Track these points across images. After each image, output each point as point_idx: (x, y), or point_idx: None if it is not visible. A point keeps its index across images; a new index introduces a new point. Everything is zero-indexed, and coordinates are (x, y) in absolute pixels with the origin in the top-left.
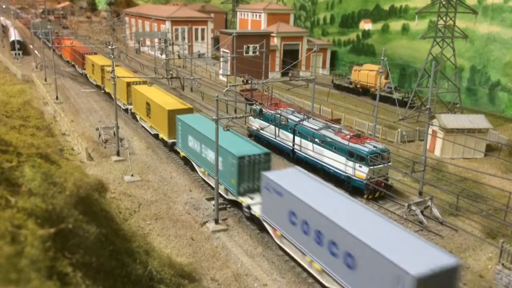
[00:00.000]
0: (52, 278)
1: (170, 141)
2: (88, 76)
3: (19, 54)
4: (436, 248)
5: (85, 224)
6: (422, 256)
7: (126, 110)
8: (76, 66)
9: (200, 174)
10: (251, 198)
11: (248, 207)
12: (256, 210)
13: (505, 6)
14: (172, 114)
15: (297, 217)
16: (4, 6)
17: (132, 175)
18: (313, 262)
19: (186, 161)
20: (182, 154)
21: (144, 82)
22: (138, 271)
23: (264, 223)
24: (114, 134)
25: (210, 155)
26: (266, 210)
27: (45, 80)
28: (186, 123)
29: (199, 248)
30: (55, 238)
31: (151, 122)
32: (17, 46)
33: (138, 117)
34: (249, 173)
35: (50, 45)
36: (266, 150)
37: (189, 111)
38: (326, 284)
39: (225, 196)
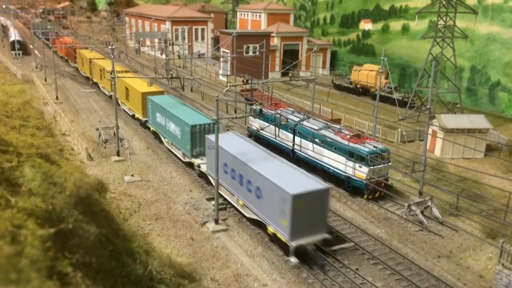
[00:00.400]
0: (52, 278)
1: (144, 119)
2: (79, 69)
3: (19, 54)
4: (315, 180)
5: (85, 224)
6: (301, 183)
7: (110, 97)
8: (69, 61)
9: (165, 144)
10: (202, 160)
11: (198, 166)
12: (203, 167)
13: (505, 6)
14: (145, 96)
15: (228, 166)
16: (4, 6)
17: (132, 175)
18: (238, 199)
19: (156, 135)
20: (152, 129)
21: (126, 71)
22: (138, 271)
23: (209, 177)
24: (114, 134)
25: (172, 127)
26: (209, 166)
27: (45, 80)
28: (155, 102)
29: (199, 248)
30: (55, 238)
31: (129, 104)
32: (17, 46)
33: (119, 102)
34: (200, 139)
35: (49, 44)
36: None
37: (159, 93)
38: (246, 215)
39: (183, 159)
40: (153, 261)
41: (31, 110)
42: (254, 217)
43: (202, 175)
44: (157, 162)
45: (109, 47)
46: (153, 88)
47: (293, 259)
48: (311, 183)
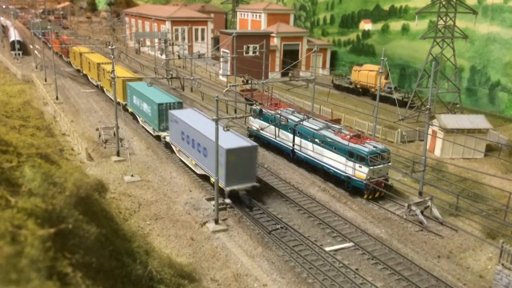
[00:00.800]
0: (52, 278)
1: (124, 103)
2: (71, 63)
3: (19, 54)
4: (246, 140)
5: (85, 224)
6: (235, 142)
7: (97, 86)
8: (63, 56)
9: (140, 123)
10: (167, 133)
11: (164, 137)
12: (168, 139)
13: (505, 6)
14: (125, 83)
15: (184, 134)
16: (4, 6)
17: (132, 175)
18: (192, 160)
19: (134, 116)
20: (130, 110)
21: (108, 63)
22: (138, 271)
23: (172, 146)
24: (114, 134)
25: (145, 107)
26: (172, 137)
27: (45, 80)
28: (132, 87)
29: (199, 248)
30: (55, 238)
31: (112, 91)
32: (17, 46)
33: (105, 90)
34: (166, 116)
35: (48, 44)
36: (178, 100)
37: (137, 80)
38: (198, 172)
39: (153, 134)
40: (153, 261)
41: (31, 110)
42: (202, 172)
43: (167, 146)
44: (157, 162)
45: (109, 47)
46: (132, 75)
47: (228, 200)
48: (242, 142)
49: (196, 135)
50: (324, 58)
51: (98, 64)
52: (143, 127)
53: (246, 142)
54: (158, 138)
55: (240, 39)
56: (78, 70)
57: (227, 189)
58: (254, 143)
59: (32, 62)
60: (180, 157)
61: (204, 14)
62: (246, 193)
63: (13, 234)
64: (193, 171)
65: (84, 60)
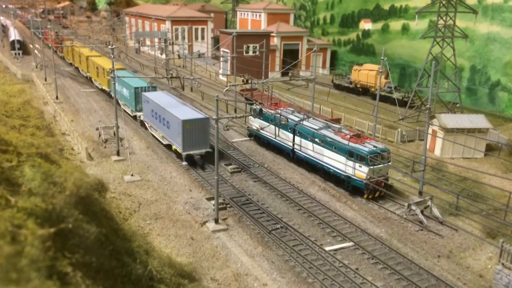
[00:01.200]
0: (52, 277)
1: (108, 89)
2: (64, 57)
3: (19, 53)
4: (201, 113)
5: (85, 224)
6: (191, 114)
7: (86, 77)
8: (57, 51)
9: (122, 106)
10: (141, 113)
11: (139, 117)
12: (142, 117)
13: (505, 6)
14: (109, 72)
15: (153, 111)
16: (4, 6)
17: (132, 175)
18: (159, 133)
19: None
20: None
21: (96, 56)
22: (138, 271)
23: (145, 123)
24: (114, 134)
25: (125, 91)
26: (145, 115)
27: (45, 80)
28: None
29: (199, 248)
30: (55, 238)
31: (99, 80)
32: (17, 45)
33: (92, 79)
34: (141, 98)
35: (45, 41)
36: (153, 85)
37: (121, 69)
38: (164, 142)
39: (131, 114)
40: (153, 261)
41: (31, 109)
42: (167, 142)
43: (142, 124)
44: (157, 162)
45: (109, 46)
46: (117, 65)
47: (184, 163)
48: (197, 114)
49: (162, 111)
50: (324, 58)
51: (87, 57)
52: (125, 111)
53: (200, 115)
54: (134, 118)
55: (240, 39)
56: (70, 64)
57: (184, 153)
58: (206, 116)
59: (32, 61)
60: (152, 132)
61: (204, 13)
62: (200, 157)
63: (13, 233)
64: (160, 142)
65: (76, 54)
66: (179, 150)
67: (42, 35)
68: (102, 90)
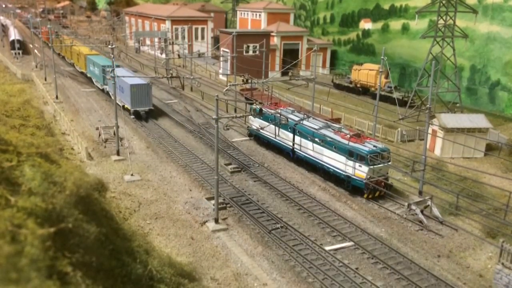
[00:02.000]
0: (52, 277)
1: (85, 71)
2: (54, 48)
3: (19, 53)
4: (144, 80)
5: (85, 224)
6: (136, 81)
7: (72, 65)
8: (48, 44)
9: (95, 83)
10: (107, 86)
11: (106, 89)
12: (106, 88)
13: (505, 6)
14: (86, 57)
15: (120, 86)
16: (4, 6)
17: (132, 175)
18: (122, 102)
19: (90, 80)
20: (88, 75)
21: (79, 46)
22: (138, 271)
23: (110, 93)
24: (114, 134)
25: (96, 70)
26: (109, 87)
27: (45, 80)
28: (90, 58)
29: (199, 248)
30: (55, 238)
31: (79, 64)
32: (17, 45)
33: (74, 65)
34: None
35: (39, 35)
36: (117, 64)
37: (96, 54)
38: (121, 104)
39: (100, 87)
40: (153, 261)
41: (31, 109)
42: (123, 105)
43: (108, 94)
44: (157, 162)
45: (109, 46)
46: (92, 51)
47: (132, 116)
48: (141, 81)
49: (120, 81)
50: (324, 57)
51: (71, 47)
52: (99, 88)
53: (143, 81)
54: (102, 91)
55: (240, 38)
56: (58, 54)
57: (132, 109)
58: (148, 82)
59: (32, 61)
60: (118, 102)
61: (204, 13)
62: (144, 113)
63: (13, 233)
64: (123, 107)
65: (64, 46)
66: (129, 107)
67: (33, 29)
68: (82, 73)
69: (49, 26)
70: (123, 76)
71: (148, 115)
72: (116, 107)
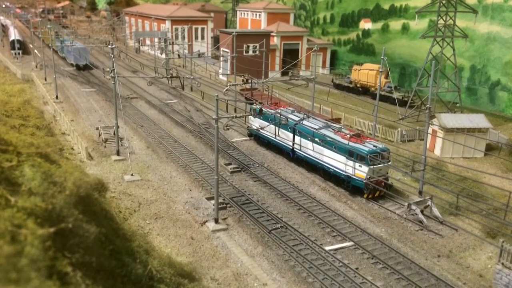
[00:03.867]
0: (52, 277)
1: (53, 46)
2: (38, 34)
3: (19, 53)
4: (85, 45)
5: (85, 224)
6: (79, 45)
7: (48, 45)
8: (35, 32)
9: (68, 60)
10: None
11: (74, 62)
12: (72, 60)
13: (505, 6)
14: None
15: (68, 51)
16: (4, 6)
17: (132, 175)
18: (70, 60)
19: (56, 52)
20: (62, 55)
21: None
22: (138, 271)
23: (71, 62)
24: (114, 134)
25: (59, 47)
26: (75, 59)
27: (45, 80)
28: (57, 39)
29: (199, 248)
30: (55, 238)
31: (52, 43)
32: (17, 45)
33: (49, 45)
34: (79, 54)
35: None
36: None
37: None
38: (71, 62)
39: (73, 63)
40: (153, 261)
41: (31, 109)
42: (72, 62)
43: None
44: (157, 162)
45: (109, 46)
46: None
47: (73, 68)
48: (82, 45)
49: (70, 48)
50: (324, 57)
51: (51, 35)
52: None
53: (83, 46)
54: (72, 65)
55: (240, 38)
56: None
57: (75, 63)
58: (86, 46)
59: (32, 61)
60: (70, 62)
61: (204, 13)
62: (82, 65)
63: (13, 233)
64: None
65: (46, 34)
66: (73, 62)
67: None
68: (49, 46)
69: (49, 26)
70: (72, 45)
71: (84, 67)
72: (116, 107)
